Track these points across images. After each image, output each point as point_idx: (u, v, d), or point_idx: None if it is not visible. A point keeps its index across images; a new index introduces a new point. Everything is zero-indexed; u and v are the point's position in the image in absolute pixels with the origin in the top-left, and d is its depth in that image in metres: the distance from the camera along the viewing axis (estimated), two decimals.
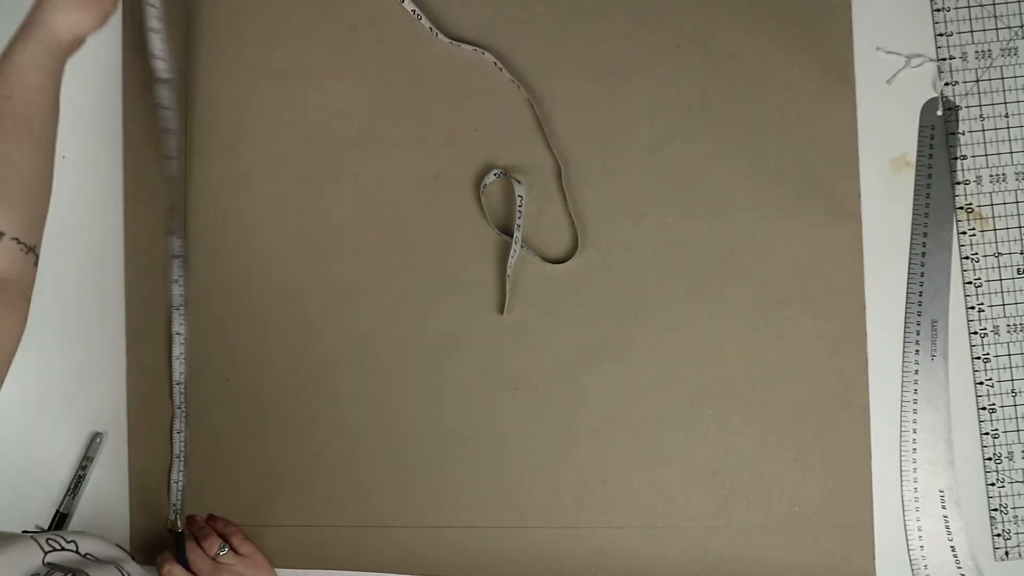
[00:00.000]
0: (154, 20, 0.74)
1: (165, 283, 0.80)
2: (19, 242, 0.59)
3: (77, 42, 0.67)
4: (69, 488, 0.80)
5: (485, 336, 0.79)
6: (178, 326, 0.80)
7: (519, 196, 0.78)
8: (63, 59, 0.66)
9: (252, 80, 0.81)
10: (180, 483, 0.80)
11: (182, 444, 0.80)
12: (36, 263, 0.61)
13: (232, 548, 0.76)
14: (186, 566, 0.75)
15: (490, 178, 0.79)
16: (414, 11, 0.79)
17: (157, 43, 0.75)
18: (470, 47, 0.79)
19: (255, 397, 0.80)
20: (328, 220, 0.80)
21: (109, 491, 0.81)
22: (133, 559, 0.71)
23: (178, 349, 0.80)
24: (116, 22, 0.82)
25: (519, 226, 0.77)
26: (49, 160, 0.63)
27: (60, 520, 0.80)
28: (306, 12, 0.81)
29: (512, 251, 0.77)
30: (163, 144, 0.78)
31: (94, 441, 0.80)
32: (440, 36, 0.80)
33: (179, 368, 0.80)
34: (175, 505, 0.80)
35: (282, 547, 0.80)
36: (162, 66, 0.76)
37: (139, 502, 0.81)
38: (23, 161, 0.61)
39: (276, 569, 0.79)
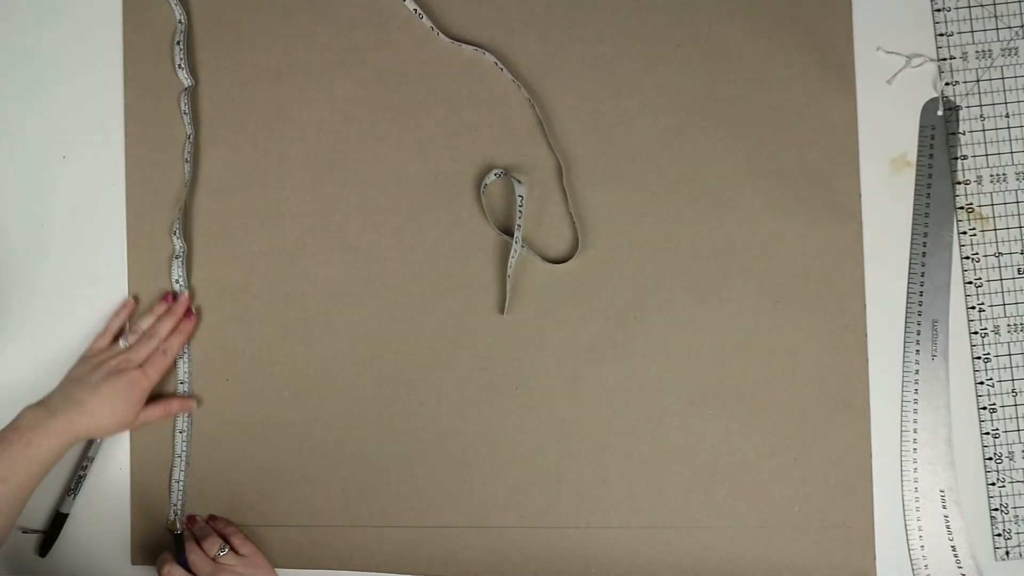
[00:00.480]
0: (179, 34, 0.80)
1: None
2: None
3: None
4: (69, 488, 0.80)
5: (485, 336, 0.79)
6: None
7: (519, 196, 0.78)
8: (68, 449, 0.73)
9: (252, 80, 0.81)
10: (181, 483, 0.80)
11: (184, 444, 0.80)
12: None
13: (232, 548, 0.76)
14: (186, 567, 0.75)
15: (490, 178, 0.79)
16: (416, 10, 0.79)
17: (179, 54, 0.80)
18: (471, 47, 0.79)
19: (255, 397, 0.80)
20: (328, 220, 0.80)
21: (109, 491, 0.81)
22: None
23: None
24: (116, 22, 0.82)
25: (519, 226, 0.77)
26: (12, 524, 0.70)
27: (60, 520, 0.80)
28: (306, 12, 0.81)
29: (512, 251, 0.77)
30: (182, 149, 0.80)
31: (94, 441, 0.80)
32: (441, 36, 0.80)
33: (183, 367, 0.80)
34: (175, 505, 0.80)
35: (282, 547, 0.80)
36: (184, 75, 0.80)
37: (139, 502, 0.81)
38: None
39: (276, 569, 0.79)
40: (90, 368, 0.76)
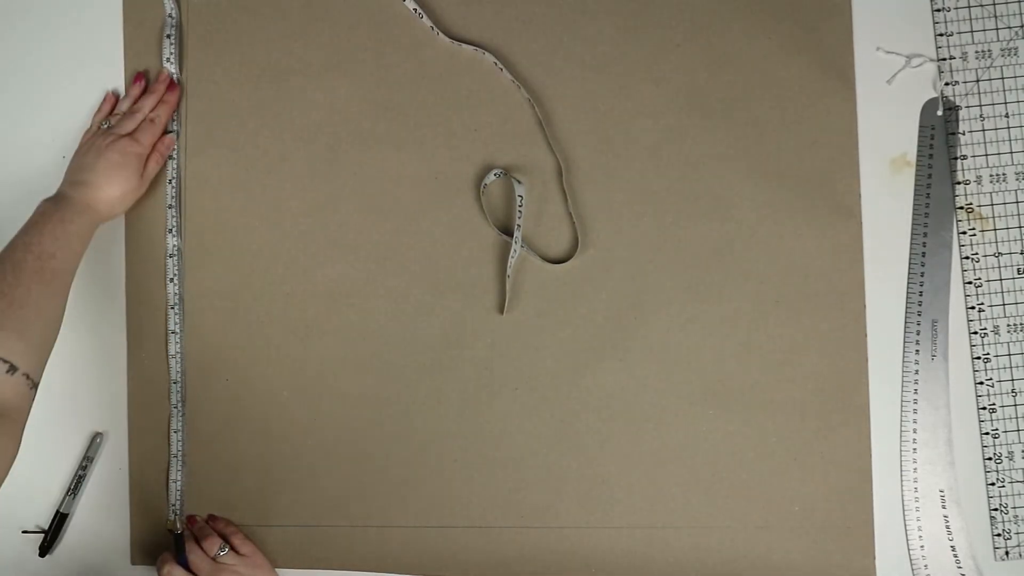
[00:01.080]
0: (169, 27, 0.80)
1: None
2: (28, 378, 0.66)
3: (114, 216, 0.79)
4: (69, 488, 0.80)
5: (485, 336, 0.79)
6: (174, 324, 0.80)
7: (519, 196, 0.78)
8: (98, 226, 0.77)
9: (252, 80, 0.81)
10: (179, 483, 0.80)
11: (179, 443, 0.80)
12: (34, 398, 0.67)
13: (232, 548, 0.76)
14: (186, 567, 0.75)
15: (490, 178, 0.79)
16: (416, 9, 0.79)
17: (169, 48, 0.80)
18: (471, 47, 0.79)
19: (255, 397, 0.80)
20: (328, 220, 0.80)
21: (109, 491, 0.81)
22: None
23: (174, 348, 0.80)
24: (116, 23, 0.82)
25: (519, 226, 0.77)
26: (63, 308, 0.72)
27: (60, 520, 0.80)
28: (306, 12, 0.81)
29: (512, 251, 0.77)
30: (166, 144, 0.81)
31: (94, 441, 0.80)
32: (441, 35, 0.80)
33: (176, 367, 0.80)
34: (174, 505, 0.80)
35: (282, 547, 0.80)
36: (171, 69, 0.81)
37: (139, 502, 0.81)
38: (50, 310, 0.70)
39: (276, 569, 0.79)
40: (83, 153, 0.77)
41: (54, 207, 0.74)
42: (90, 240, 0.75)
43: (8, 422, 0.64)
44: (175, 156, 0.81)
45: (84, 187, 0.75)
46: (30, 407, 0.67)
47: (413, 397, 0.79)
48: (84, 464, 0.80)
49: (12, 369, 0.65)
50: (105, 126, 0.79)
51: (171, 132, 0.81)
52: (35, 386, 0.67)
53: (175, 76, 0.81)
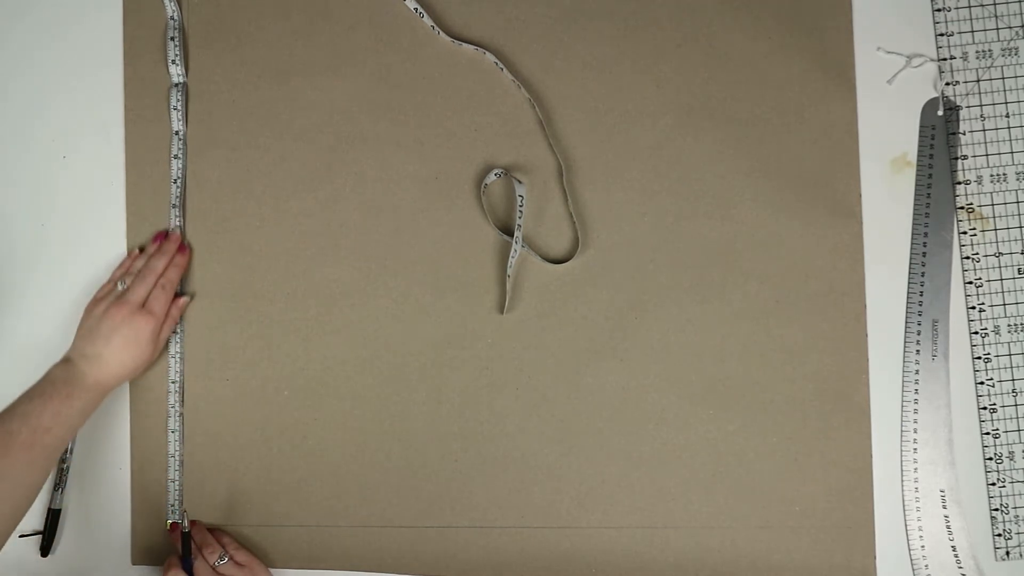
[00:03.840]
0: (173, 29, 0.80)
1: None
2: None
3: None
4: (56, 483, 0.80)
5: (485, 336, 0.79)
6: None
7: (520, 196, 0.78)
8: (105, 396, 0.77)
9: (252, 80, 0.81)
10: (177, 483, 0.80)
11: (178, 443, 0.80)
12: None
13: (229, 557, 0.76)
14: (189, 570, 0.75)
15: (490, 178, 0.79)
16: (416, 8, 0.79)
17: (173, 49, 0.80)
18: (471, 47, 0.79)
19: (255, 397, 0.80)
20: (328, 220, 0.80)
21: (109, 491, 0.81)
22: None
23: (174, 348, 0.80)
24: (116, 22, 0.82)
25: (519, 226, 0.77)
26: (43, 483, 0.72)
27: (54, 517, 0.80)
28: (306, 12, 0.81)
29: (512, 251, 0.77)
30: (171, 144, 0.81)
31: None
32: (442, 35, 0.80)
33: (175, 367, 0.80)
34: (173, 505, 0.80)
35: (282, 547, 0.80)
36: (176, 71, 0.81)
37: (139, 502, 0.81)
38: (30, 484, 0.70)
39: (276, 570, 0.79)
40: (97, 319, 0.76)
41: (63, 380, 0.73)
42: (92, 413, 0.75)
43: None
44: (180, 155, 0.81)
45: (96, 362, 0.74)
46: None
47: (413, 397, 0.79)
48: (64, 457, 0.80)
49: None
50: (121, 286, 0.77)
51: (184, 295, 0.80)
52: None
53: (182, 233, 0.81)
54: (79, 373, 0.74)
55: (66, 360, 0.75)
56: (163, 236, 0.80)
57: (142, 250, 0.81)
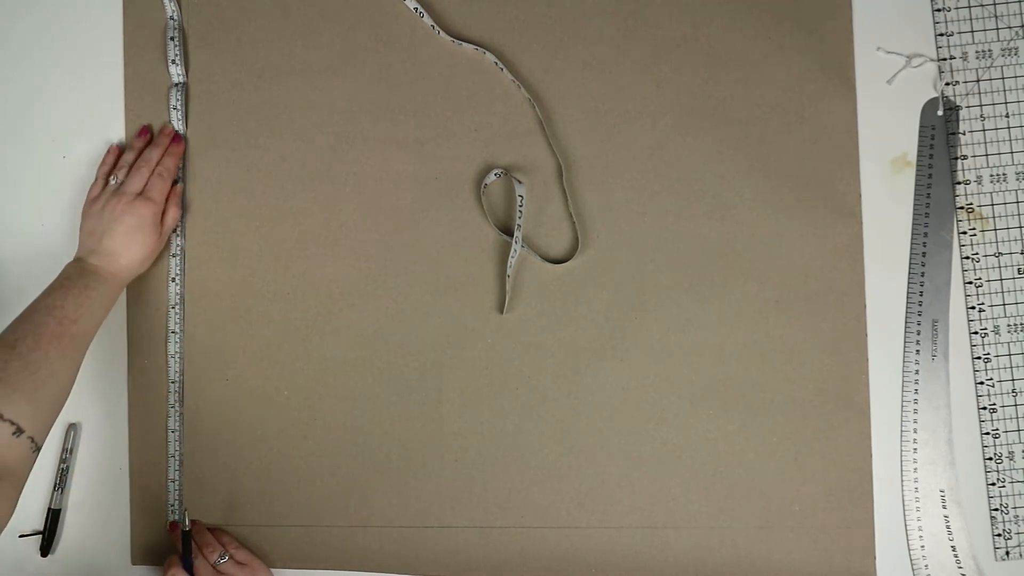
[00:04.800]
0: (172, 29, 0.80)
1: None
2: (32, 441, 0.66)
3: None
4: (55, 483, 0.80)
5: (485, 336, 0.79)
6: (174, 324, 0.80)
7: (519, 196, 0.78)
8: (123, 289, 0.78)
9: (252, 80, 0.81)
10: (177, 483, 0.80)
11: (177, 443, 0.80)
12: (34, 463, 0.67)
13: (229, 556, 0.76)
14: (190, 570, 0.75)
15: (490, 178, 0.79)
16: (416, 8, 0.79)
17: (173, 49, 0.80)
18: (471, 46, 0.79)
19: (255, 397, 0.80)
20: (328, 220, 0.80)
21: (109, 491, 0.81)
22: None
23: (173, 347, 0.80)
24: (116, 22, 0.82)
25: (519, 226, 0.77)
26: (77, 373, 0.72)
27: (54, 517, 0.80)
28: (306, 12, 0.81)
29: (512, 251, 0.77)
30: (176, 195, 0.80)
31: (69, 433, 0.80)
32: (442, 34, 0.80)
33: (174, 367, 0.80)
34: (173, 505, 0.80)
35: (282, 547, 0.80)
36: (176, 71, 0.81)
37: (139, 502, 0.81)
38: (64, 375, 0.70)
39: (276, 570, 0.79)
40: (97, 215, 0.77)
41: (78, 273, 0.73)
42: (113, 304, 0.76)
43: (6, 484, 0.64)
44: (180, 179, 0.81)
45: (105, 256, 0.75)
46: (28, 472, 0.66)
47: (413, 397, 0.79)
48: (64, 456, 0.80)
49: (19, 431, 0.65)
50: (114, 181, 0.78)
51: (178, 182, 0.80)
52: (38, 450, 0.67)
53: (180, 132, 0.81)
54: (91, 267, 0.74)
55: (76, 260, 0.76)
56: (146, 131, 0.80)
57: (123, 150, 0.81)
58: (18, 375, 0.66)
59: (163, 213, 0.78)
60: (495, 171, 0.79)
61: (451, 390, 0.79)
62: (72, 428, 0.81)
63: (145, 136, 0.80)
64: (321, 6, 0.81)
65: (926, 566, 0.76)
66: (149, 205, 0.76)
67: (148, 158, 0.78)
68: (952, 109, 0.78)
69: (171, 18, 0.81)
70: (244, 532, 0.80)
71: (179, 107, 0.80)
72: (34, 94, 0.83)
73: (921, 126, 0.78)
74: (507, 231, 0.79)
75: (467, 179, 0.80)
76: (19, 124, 0.83)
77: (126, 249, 0.75)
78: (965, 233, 0.78)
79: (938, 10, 0.78)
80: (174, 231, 0.80)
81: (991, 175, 0.78)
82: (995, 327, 0.77)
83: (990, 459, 0.77)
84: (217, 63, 0.81)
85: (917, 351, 0.77)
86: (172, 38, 0.81)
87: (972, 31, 0.78)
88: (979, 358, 0.77)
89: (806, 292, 0.78)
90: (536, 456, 0.79)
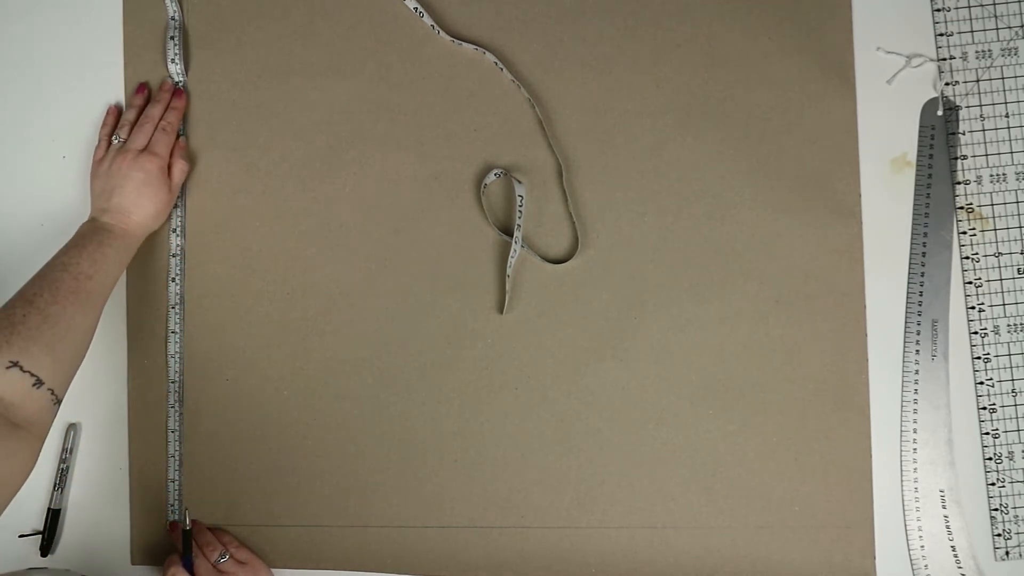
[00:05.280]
0: (173, 29, 0.80)
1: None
2: (53, 394, 0.67)
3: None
4: (55, 483, 0.80)
5: (485, 336, 0.79)
6: (174, 324, 0.80)
7: (519, 196, 0.78)
8: (137, 246, 0.78)
9: (252, 80, 0.81)
10: (177, 483, 0.80)
11: (177, 443, 0.80)
12: (55, 415, 0.68)
13: (230, 555, 0.76)
14: (190, 569, 0.75)
15: (490, 178, 0.79)
16: (416, 8, 0.79)
17: (173, 49, 0.80)
18: (471, 46, 0.79)
19: (255, 397, 0.80)
20: (328, 220, 0.80)
21: (109, 491, 0.81)
22: None
23: (173, 347, 0.80)
24: (116, 22, 0.82)
25: (519, 226, 0.77)
26: (95, 328, 0.72)
27: (54, 517, 0.80)
28: (306, 12, 0.81)
29: (512, 251, 0.77)
30: (180, 148, 0.81)
31: (69, 433, 0.80)
32: (442, 34, 0.80)
33: (174, 367, 0.80)
34: (173, 505, 0.80)
35: (282, 547, 0.80)
36: (175, 70, 0.81)
37: (139, 502, 0.81)
38: (82, 330, 0.70)
39: (276, 570, 0.79)
40: (105, 175, 0.77)
41: (92, 232, 0.74)
42: (128, 261, 0.76)
43: (29, 436, 0.64)
44: (183, 132, 0.81)
45: (117, 213, 0.76)
46: (51, 423, 0.67)
47: (413, 397, 0.79)
48: (64, 456, 0.80)
49: (38, 383, 0.65)
50: (116, 141, 0.78)
51: (181, 135, 0.81)
52: (59, 402, 0.67)
53: (180, 83, 0.81)
54: (104, 225, 0.75)
55: (90, 220, 0.76)
56: (144, 87, 0.81)
57: (121, 110, 0.81)
58: (38, 329, 0.66)
59: (170, 168, 0.79)
60: (495, 171, 0.79)
61: (451, 390, 0.79)
62: (72, 428, 0.81)
63: (143, 93, 0.81)
64: (321, 6, 0.81)
65: (926, 566, 0.76)
66: (155, 160, 0.77)
67: (150, 115, 0.79)
68: (952, 109, 0.78)
69: (172, 18, 0.81)
70: (244, 532, 0.80)
71: (177, 60, 0.80)
72: (34, 94, 0.83)
73: (921, 126, 0.78)
74: (507, 231, 0.79)
75: (467, 179, 0.80)
76: (19, 124, 0.83)
77: (136, 206, 0.76)
78: (965, 233, 0.78)
79: (938, 10, 0.78)
80: (177, 206, 0.81)
81: (991, 175, 0.78)
82: (995, 327, 0.77)
83: (990, 459, 0.77)
84: (217, 63, 0.81)
85: (917, 351, 0.77)
86: (172, 37, 0.81)
87: (972, 31, 0.78)
88: (979, 358, 0.77)
89: (806, 292, 0.78)
90: (536, 456, 0.79)
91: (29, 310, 0.67)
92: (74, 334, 0.69)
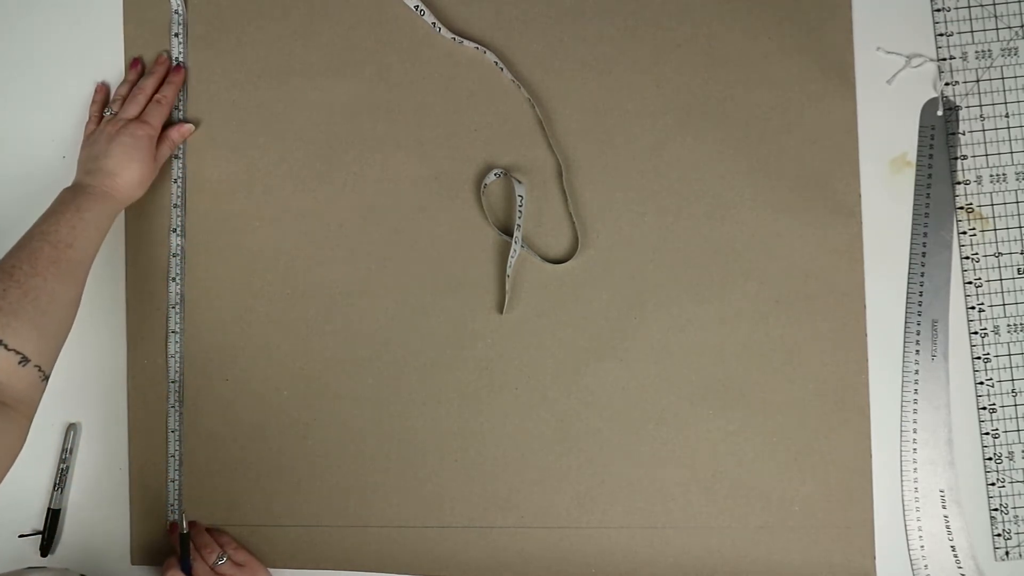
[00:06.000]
0: (178, 26, 0.80)
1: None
2: (40, 370, 0.65)
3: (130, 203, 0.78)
4: (55, 483, 0.80)
5: (485, 336, 0.79)
6: (174, 324, 0.80)
7: (519, 196, 0.78)
8: (117, 213, 0.77)
9: (252, 80, 0.81)
10: (177, 483, 0.80)
11: (177, 443, 0.80)
12: (44, 391, 0.67)
13: (228, 557, 0.76)
14: (188, 571, 0.75)
15: (490, 178, 0.79)
16: (417, 7, 0.79)
17: (178, 47, 0.81)
18: (471, 44, 0.79)
19: (255, 397, 0.80)
20: (328, 220, 0.80)
21: (109, 491, 0.81)
22: None
23: (173, 347, 0.80)
24: (117, 22, 0.82)
25: (519, 226, 0.77)
26: (79, 299, 0.71)
27: (54, 517, 0.80)
28: (306, 12, 0.81)
29: (512, 251, 0.77)
30: (183, 132, 0.81)
31: (69, 433, 0.80)
32: (442, 32, 0.80)
33: (174, 366, 0.80)
34: (173, 505, 0.80)
35: (282, 547, 0.80)
36: (176, 52, 0.81)
37: (139, 502, 0.81)
38: (65, 301, 0.69)
39: (276, 570, 0.79)
40: (92, 142, 0.77)
41: (72, 196, 0.73)
42: (109, 228, 0.75)
43: (17, 415, 0.64)
44: (180, 155, 0.81)
45: (100, 175, 0.75)
46: (39, 399, 0.66)
47: (413, 397, 0.79)
48: (64, 456, 0.80)
49: (24, 360, 0.64)
50: (108, 113, 0.78)
51: (189, 123, 0.80)
52: (46, 378, 0.66)
53: (178, 60, 0.81)
54: (85, 187, 0.74)
55: (73, 184, 0.75)
56: (138, 62, 0.81)
57: (109, 90, 0.81)
58: (19, 302, 0.65)
59: (161, 141, 0.78)
60: (495, 171, 0.79)
61: (451, 390, 0.79)
62: (72, 428, 0.81)
63: (137, 68, 0.81)
64: (321, 6, 0.81)
65: (926, 566, 0.76)
66: (144, 127, 0.76)
67: (143, 86, 0.79)
68: (952, 109, 0.78)
69: (176, 11, 0.81)
70: (244, 532, 0.80)
71: (179, 107, 0.80)
72: (34, 94, 0.83)
73: (921, 126, 0.78)
74: (507, 231, 0.79)
75: (467, 179, 0.80)
76: (19, 124, 0.83)
77: (123, 168, 0.75)
78: (965, 233, 0.78)
79: (938, 10, 0.78)
80: (175, 181, 0.81)
81: (991, 175, 0.78)
82: (995, 327, 0.77)
83: (990, 459, 0.77)
84: (217, 63, 0.81)
85: (917, 351, 0.77)
86: (176, 34, 0.81)
87: (972, 31, 0.78)
88: (979, 358, 0.77)
89: (806, 292, 0.78)
90: (536, 456, 0.79)
91: (9, 283, 0.66)
92: (57, 306, 0.67)
